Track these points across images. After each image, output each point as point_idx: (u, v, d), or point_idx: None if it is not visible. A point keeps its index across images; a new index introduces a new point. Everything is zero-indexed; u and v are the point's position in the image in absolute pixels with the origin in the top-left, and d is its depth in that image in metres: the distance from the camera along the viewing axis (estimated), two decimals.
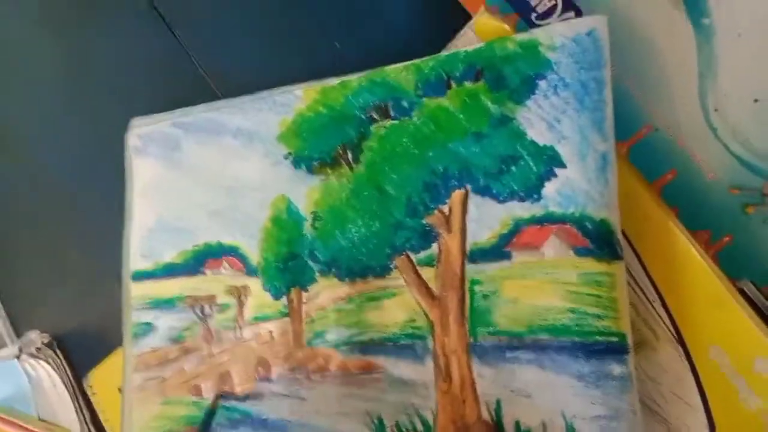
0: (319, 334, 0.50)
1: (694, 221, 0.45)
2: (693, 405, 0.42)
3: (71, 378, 0.60)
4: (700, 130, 0.48)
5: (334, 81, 0.50)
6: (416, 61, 0.47)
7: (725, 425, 0.42)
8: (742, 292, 0.41)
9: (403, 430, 0.46)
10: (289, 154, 0.51)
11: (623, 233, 0.43)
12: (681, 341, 0.42)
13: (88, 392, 0.59)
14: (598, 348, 0.41)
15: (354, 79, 0.49)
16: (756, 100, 0.47)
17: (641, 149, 0.49)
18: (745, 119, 0.47)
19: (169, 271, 0.55)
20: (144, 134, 0.56)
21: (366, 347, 0.48)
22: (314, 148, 0.50)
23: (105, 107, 0.62)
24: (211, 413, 0.49)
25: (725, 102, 0.48)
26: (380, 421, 0.47)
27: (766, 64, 0.47)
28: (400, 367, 0.47)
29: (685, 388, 0.42)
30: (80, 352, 0.61)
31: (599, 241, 0.42)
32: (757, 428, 0.41)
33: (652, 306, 0.44)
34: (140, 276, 0.55)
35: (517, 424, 0.43)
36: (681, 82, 0.48)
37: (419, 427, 0.46)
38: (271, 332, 0.52)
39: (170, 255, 0.55)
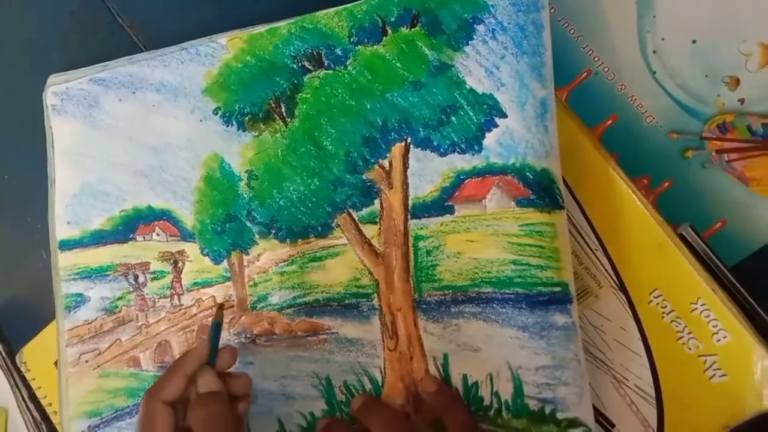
0: (262, 297, 0.50)
1: (634, 167, 0.46)
2: (636, 351, 0.44)
3: (4, 355, 0.59)
4: (640, 73, 0.49)
5: (261, 28, 0.48)
6: (349, 5, 0.46)
7: (667, 369, 0.44)
8: (681, 237, 0.43)
9: (352, 388, 0.47)
10: (218, 108, 0.50)
11: (564, 181, 0.44)
12: (623, 288, 0.44)
13: (22, 368, 0.58)
14: (541, 299, 0.43)
15: (283, 25, 0.48)
16: (694, 41, 0.48)
17: (581, 94, 0.49)
18: (683, 61, 0.48)
19: (98, 238, 0.54)
20: (61, 92, 0.54)
21: (311, 309, 0.48)
22: (244, 101, 0.49)
23: (21, 64, 0.59)
24: (216, 329, 0.47)
25: (663, 44, 0.48)
26: (328, 381, 0.48)
27: (705, 3, 0.47)
28: (346, 327, 0.48)
29: (628, 335, 0.44)
30: (11, 327, 0.60)
31: (540, 191, 0.43)
32: (697, 370, 0.43)
33: (594, 254, 0.45)
34: (67, 245, 0.54)
35: (465, 378, 0.45)
36: (620, 24, 0.49)
37: (368, 385, 0.47)
38: (213, 297, 0.52)
39: (98, 221, 0.53)
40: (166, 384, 0.43)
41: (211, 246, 0.51)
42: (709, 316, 0.42)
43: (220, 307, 0.48)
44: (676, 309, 0.43)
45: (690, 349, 0.43)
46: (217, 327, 0.46)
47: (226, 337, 0.51)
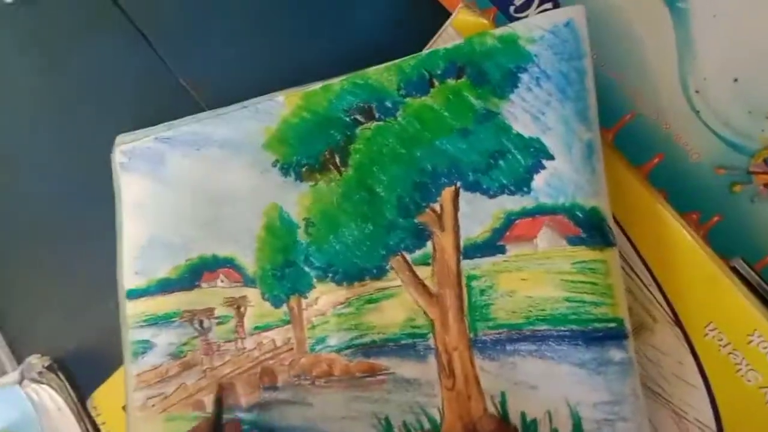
0: (321, 339, 0.51)
1: (682, 203, 0.47)
2: (694, 385, 0.44)
3: (75, 400, 0.62)
4: (683, 113, 0.49)
5: (316, 85, 0.51)
6: (397, 61, 0.49)
7: (727, 402, 0.43)
8: (734, 270, 0.43)
9: (411, 429, 0.48)
10: (277, 161, 0.52)
11: (614, 219, 0.44)
12: (678, 322, 0.44)
13: (93, 413, 0.61)
14: (597, 335, 0.43)
15: (336, 82, 0.50)
16: (735, 80, 0.49)
17: (626, 135, 0.50)
18: (725, 99, 0.49)
19: (164, 286, 0.56)
20: (129, 150, 0.57)
21: (368, 350, 0.50)
22: (301, 153, 0.52)
23: (89, 126, 0.63)
24: (218, 404, 0.49)
25: (705, 84, 0.49)
26: (387, 421, 0.48)
27: (743, 43, 0.48)
28: (404, 367, 0.48)
29: (685, 368, 0.44)
30: (83, 373, 0.62)
31: (591, 229, 0.43)
32: (758, 402, 0.42)
33: (648, 290, 0.45)
34: (135, 294, 0.56)
35: (523, 415, 0.45)
36: (661, 66, 0.50)
37: (426, 425, 0.47)
38: (273, 341, 0.53)
39: (164, 270, 0.56)
40: None
41: (271, 291, 0.53)
42: (767, 347, 0.42)
43: (220, 385, 0.50)
44: (733, 342, 0.43)
45: (749, 381, 0.43)
46: (218, 403, 0.49)
47: (287, 379, 0.52)
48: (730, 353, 0.43)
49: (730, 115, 0.49)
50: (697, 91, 0.49)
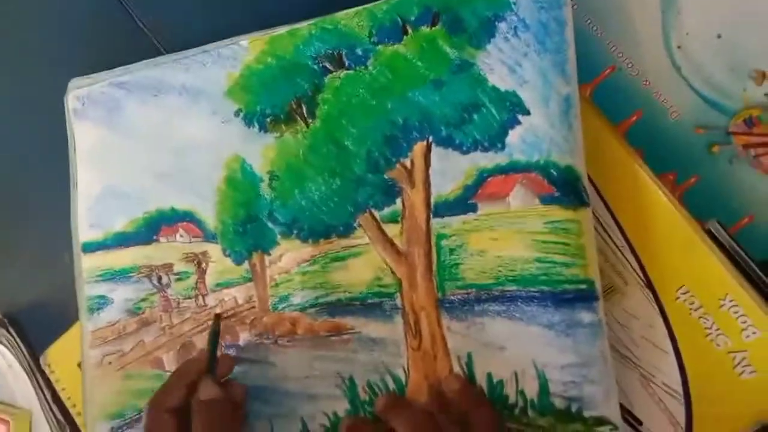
0: (284, 297, 0.50)
1: (659, 163, 0.46)
2: (664, 348, 0.44)
3: (27, 357, 0.59)
4: (664, 68, 0.48)
5: (282, 29, 0.48)
6: (369, 5, 0.46)
7: (695, 366, 0.43)
8: (709, 233, 0.43)
9: (375, 388, 0.47)
10: (240, 110, 0.50)
11: (589, 178, 0.43)
12: (650, 285, 0.44)
13: (46, 371, 0.59)
14: (567, 296, 0.42)
15: (303, 26, 0.48)
16: (719, 36, 0.47)
17: (605, 90, 0.49)
18: (708, 56, 0.47)
19: (121, 240, 0.54)
20: (83, 96, 0.54)
21: (333, 308, 0.48)
22: (266, 102, 0.49)
23: (42, 69, 0.60)
24: (215, 337, 0.47)
25: (688, 39, 0.48)
26: (352, 381, 0.47)
27: None
28: (369, 327, 0.47)
29: (655, 332, 0.44)
30: (36, 329, 0.60)
31: (565, 187, 0.42)
32: (726, 366, 0.42)
33: (620, 251, 0.44)
34: (90, 247, 0.54)
35: (489, 376, 0.44)
36: (643, 19, 0.48)
37: (391, 384, 0.47)
38: (235, 298, 0.52)
39: (121, 223, 0.54)
40: (169, 393, 0.44)
41: (232, 247, 0.51)
42: (737, 312, 0.42)
43: (217, 316, 0.48)
44: (704, 305, 0.42)
45: (719, 345, 0.43)
46: (215, 336, 0.47)
47: (248, 338, 0.51)
48: (700, 317, 0.43)
49: (711, 72, 0.47)
50: (679, 47, 0.48)
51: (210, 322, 0.52)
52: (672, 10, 0.48)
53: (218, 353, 0.47)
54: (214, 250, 0.52)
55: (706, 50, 0.47)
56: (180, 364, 0.48)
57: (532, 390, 0.43)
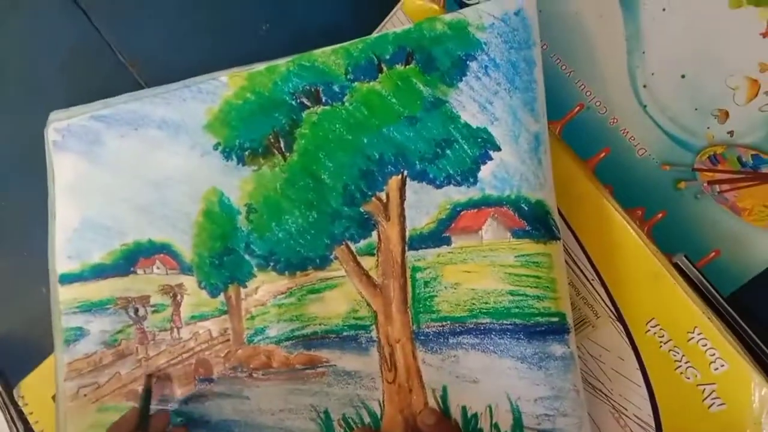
0: (259, 330, 0.50)
1: (628, 198, 0.47)
2: (635, 381, 0.44)
3: (1, 389, 0.58)
4: (631, 107, 0.49)
5: (261, 66, 0.49)
6: (345, 44, 0.47)
7: (666, 399, 0.44)
8: (676, 267, 0.43)
9: (351, 422, 0.47)
10: (218, 144, 0.50)
11: (560, 213, 0.44)
12: (620, 318, 0.44)
13: (20, 403, 0.58)
14: (539, 329, 0.43)
15: (282, 63, 0.48)
16: (683, 76, 0.48)
17: (574, 128, 0.50)
18: (673, 95, 0.48)
19: (98, 272, 0.53)
20: (63, 128, 0.54)
21: (309, 341, 0.48)
22: (244, 136, 0.49)
23: (23, 102, 0.60)
24: (146, 396, 0.48)
25: (653, 79, 0.49)
26: (327, 414, 0.47)
27: (692, 39, 0.48)
28: (345, 359, 0.47)
29: (626, 365, 0.44)
30: (10, 361, 0.59)
31: (536, 222, 0.43)
32: (696, 399, 0.43)
33: (591, 284, 0.45)
34: (67, 279, 0.54)
35: (464, 410, 0.44)
36: (610, 59, 0.49)
37: (366, 418, 0.46)
38: (209, 331, 0.51)
39: (98, 255, 0.53)
40: None
41: (208, 279, 0.51)
42: (706, 344, 0.42)
43: (149, 376, 0.49)
44: (674, 338, 0.43)
45: (688, 378, 0.43)
46: (147, 394, 0.48)
47: (222, 371, 0.50)
48: (670, 350, 0.43)
49: (676, 111, 0.48)
50: (644, 86, 0.49)
51: (183, 355, 0.52)
52: (637, 51, 0.49)
53: (151, 411, 0.48)
54: (190, 282, 0.52)
55: (671, 90, 0.49)
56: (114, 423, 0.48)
57: (506, 423, 0.43)
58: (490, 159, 0.44)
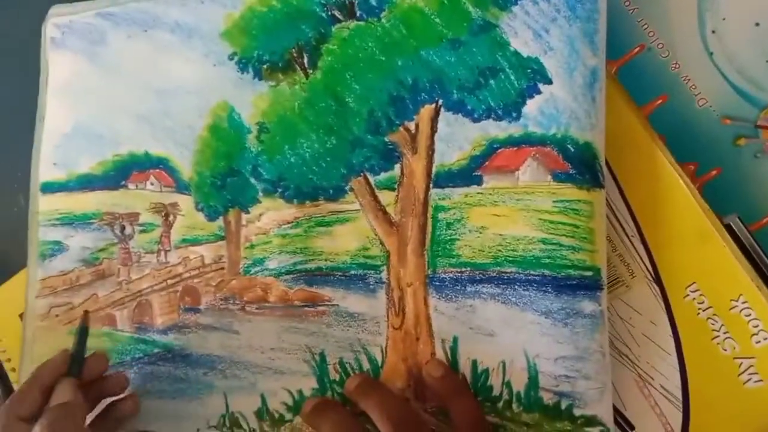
0: (258, 261, 0.47)
1: (681, 151, 0.44)
2: (665, 349, 0.42)
3: None
4: (696, 52, 0.47)
5: None
6: None
7: (698, 370, 0.41)
8: (728, 228, 0.41)
9: (348, 367, 0.44)
10: (234, 54, 0.47)
11: (605, 160, 0.41)
12: (658, 280, 0.42)
13: None
14: (569, 283, 0.40)
15: None
16: (757, 24, 0.46)
17: (631, 70, 0.47)
18: (744, 44, 0.46)
19: (86, 182, 0.50)
20: (64, 24, 0.51)
21: (312, 277, 0.45)
22: (264, 48, 0.46)
23: None
24: (81, 336, 0.44)
25: (724, 24, 0.46)
26: (322, 357, 0.44)
27: None
28: (349, 300, 0.44)
29: (658, 330, 0.42)
30: None
31: (581, 165, 0.40)
32: (731, 373, 0.40)
33: (630, 241, 0.42)
34: (50, 187, 0.51)
35: (475, 364, 0.41)
36: None
37: (366, 364, 0.43)
38: (202, 257, 0.48)
39: (87, 164, 0.50)
40: (22, 399, 0.41)
41: (207, 200, 0.48)
42: (750, 315, 0.40)
43: (86, 313, 0.45)
44: (714, 305, 0.41)
45: (725, 350, 0.41)
46: (82, 333, 0.44)
47: (212, 301, 0.47)
48: (708, 318, 0.41)
49: (745, 62, 0.46)
50: (713, 31, 0.46)
51: (169, 281, 0.49)
52: None
53: (86, 353, 0.44)
54: (186, 202, 0.49)
55: (742, 38, 0.46)
56: (37, 366, 0.43)
57: (519, 382, 0.41)
58: (539, 92, 0.41)
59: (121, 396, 0.45)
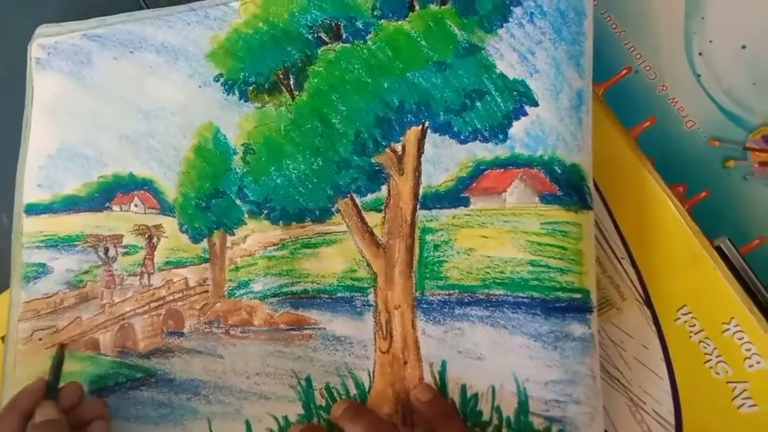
0: (243, 283, 0.45)
1: (670, 173, 0.43)
2: (657, 372, 0.40)
3: None
4: (683, 75, 0.46)
5: None
6: None
7: (691, 395, 0.40)
8: (718, 250, 0.40)
9: (334, 392, 0.42)
10: (220, 75, 0.46)
11: (594, 182, 0.40)
12: (648, 302, 0.41)
13: None
14: (558, 305, 0.39)
15: None
16: (744, 47, 0.46)
17: (619, 92, 0.47)
18: (731, 66, 0.46)
19: (70, 204, 0.48)
20: (49, 45, 0.49)
21: (298, 300, 0.44)
22: (250, 69, 0.45)
23: (10, 13, 0.55)
24: (57, 366, 0.44)
25: (711, 47, 0.46)
26: (308, 382, 0.43)
27: (757, 7, 0.45)
28: (336, 323, 0.43)
29: (650, 354, 0.41)
30: None
31: (568, 187, 0.39)
32: (724, 398, 0.39)
33: (620, 263, 0.41)
34: (34, 209, 0.49)
35: (464, 388, 0.40)
36: (666, 22, 0.46)
37: (353, 389, 0.42)
38: (186, 280, 0.47)
39: (72, 186, 0.49)
40: (0, 423, 0.40)
41: (191, 222, 0.46)
42: (742, 338, 0.39)
43: (61, 346, 0.45)
44: (706, 328, 0.39)
45: (718, 373, 0.39)
46: (58, 364, 0.44)
47: (196, 325, 0.46)
48: (701, 341, 0.40)
49: (732, 84, 0.46)
50: (700, 54, 0.46)
51: (152, 304, 0.48)
52: (697, 15, 0.46)
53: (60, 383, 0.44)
54: (170, 224, 0.47)
55: (729, 60, 0.46)
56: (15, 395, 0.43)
57: (509, 407, 0.39)
58: (525, 114, 0.40)
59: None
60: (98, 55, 0.48)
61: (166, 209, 0.47)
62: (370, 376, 0.42)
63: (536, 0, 0.40)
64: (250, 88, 0.45)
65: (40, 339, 0.48)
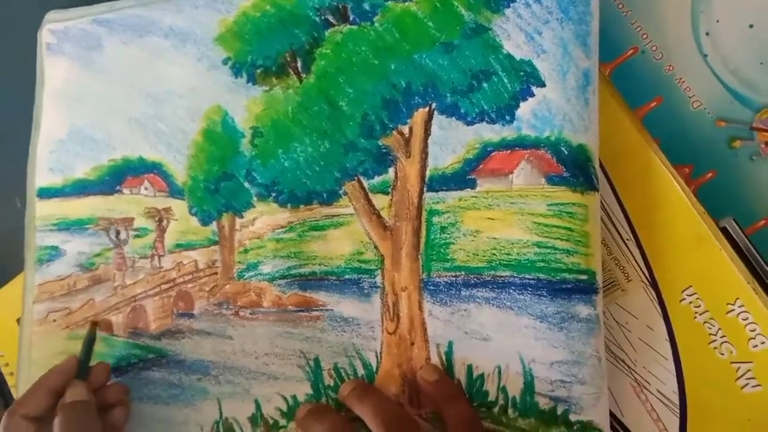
0: (252, 265, 0.45)
1: (676, 154, 0.42)
2: (662, 353, 0.40)
3: None
4: (690, 55, 0.45)
5: None
6: None
7: (695, 375, 0.40)
8: (723, 231, 0.40)
9: (342, 372, 0.42)
10: (228, 58, 0.46)
11: (600, 163, 0.40)
12: (654, 283, 0.40)
13: None
14: (564, 286, 0.38)
15: None
16: (751, 26, 0.45)
17: (625, 72, 0.46)
18: (738, 46, 0.45)
19: (81, 188, 0.49)
20: (59, 30, 0.50)
21: (306, 282, 0.44)
22: (258, 52, 0.45)
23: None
24: (89, 345, 0.44)
25: (718, 26, 0.45)
26: (317, 362, 0.43)
27: None
28: (343, 305, 0.43)
29: (654, 335, 0.40)
30: None
31: (575, 168, 0.39)
32: (728, 377, 0.39)
33: (626, 244, 0.41)
34: (47, 193, 0.49)
35: (470, 369, 0.40)
36: (673, 0, 0.45)
37: (360, 370, 0.42)
38: (195, 262, 0.47)
39: (83, 170, 0.49)
40: (28, 399, 0.41)
41: (200, 205, 0.47)
42: (747, 318, 0.38)
43: (93, 323, 0.46)
44: (711, 309, 0.39)
45: (722, 354, 0.39)
46: (90, 343, 0.45)
47: (205, 306, 0.46)
48: (705, 322, 0.39)
49: (739, 64, 0.45)
50: (707, 33, 0.45)
51: (163, 286, 0.48)
52: None
53: (92, 362, 0.44)
54: (179, 207, 0.47)
55: (736, 40, 0.45)
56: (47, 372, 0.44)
57: (515, 387, 0.39)
58: (532, 95, 0.40)
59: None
60: (107, 40, 0.49)
61: (175, 192, 0.47)
62: (377, 356, 0.42)
63: None
64: (258, 71, 0.45)
65: (55, 320, 0.48)
